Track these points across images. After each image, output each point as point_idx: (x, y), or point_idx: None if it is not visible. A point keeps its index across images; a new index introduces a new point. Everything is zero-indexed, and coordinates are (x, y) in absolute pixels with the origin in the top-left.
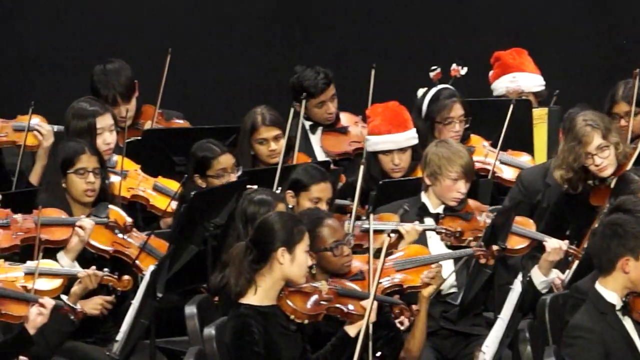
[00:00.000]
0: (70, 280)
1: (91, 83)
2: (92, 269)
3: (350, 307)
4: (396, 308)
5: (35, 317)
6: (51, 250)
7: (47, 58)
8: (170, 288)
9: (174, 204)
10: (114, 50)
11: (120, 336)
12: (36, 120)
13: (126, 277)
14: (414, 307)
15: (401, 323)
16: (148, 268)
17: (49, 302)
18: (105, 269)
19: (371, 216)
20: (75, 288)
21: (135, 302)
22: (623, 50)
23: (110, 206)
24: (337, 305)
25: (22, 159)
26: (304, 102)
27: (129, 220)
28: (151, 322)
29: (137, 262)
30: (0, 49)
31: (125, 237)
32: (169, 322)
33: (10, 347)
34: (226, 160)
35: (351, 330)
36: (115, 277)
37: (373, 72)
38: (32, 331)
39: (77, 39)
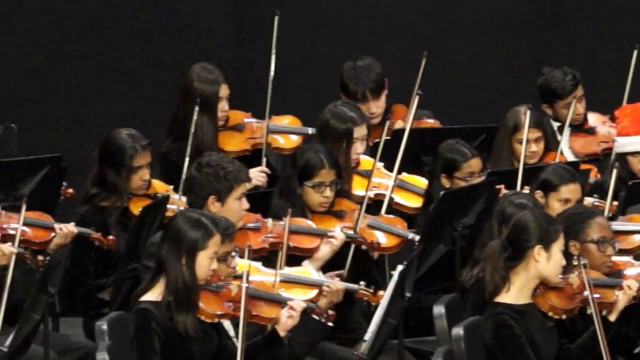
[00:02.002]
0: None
1: (341, 80)
2: (338, 280)
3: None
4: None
5: (286, 320)
6: (296, 258)
7: (301, 58)
8: (419, 288)
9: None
10: (368, 49)
11: (368, 336)
12: (286, 121)
13: (381, 292)
14: None
15: None
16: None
17: (300, 305)
18: (362, 282)
19: None
20: (321, 302)
21: (384, 302)
22: None
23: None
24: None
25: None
26: (574, 100)
27: None
28: (399, 322)
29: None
30: (254, 50)
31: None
32: (418, 321)
33: (260, 348)
34: (476, 163)
35: (611, 315)
36: (371, 291)
37: (635, 52)
38: (282, 333)
39: (331, 39)
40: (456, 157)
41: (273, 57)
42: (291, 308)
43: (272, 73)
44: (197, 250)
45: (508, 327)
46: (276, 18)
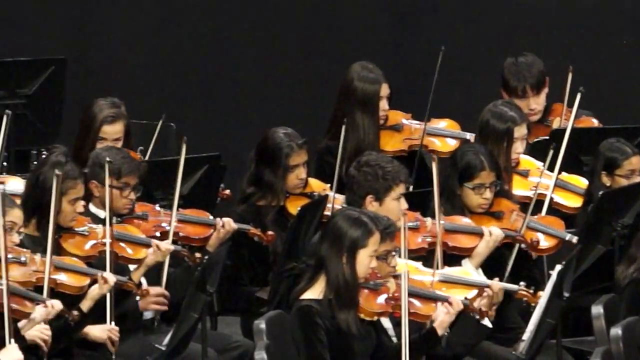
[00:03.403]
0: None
1: (502, 75)
2: (497, 280)
3: None
4: None
5: (443, 317)
6: (457, 257)
7: (460, 58)
8: (577, 288)
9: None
10: (525, 46)
11: (526, 336)
12: (443, 124)
13: (540, 292)
14: None
15: None
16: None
17: (456, 302)
18: (522, 283)
19: None
20: (481, 303)
21: (542, 302)
22: None
23: None
24: None
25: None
26: None
27: None
28: (558, 322)
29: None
30: (414, 48)
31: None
32: (576, 321)
33: (419, 345)
34: (637, 161)
35: None
36: (531, 292)
37: None
38: (440, 331)
39: (493, 40)
40: (617, 155)
41: (435, 77)
42: (448, 304)
43: (434, 80)
44: (358, 248)
45: None
46: (441, 53)
